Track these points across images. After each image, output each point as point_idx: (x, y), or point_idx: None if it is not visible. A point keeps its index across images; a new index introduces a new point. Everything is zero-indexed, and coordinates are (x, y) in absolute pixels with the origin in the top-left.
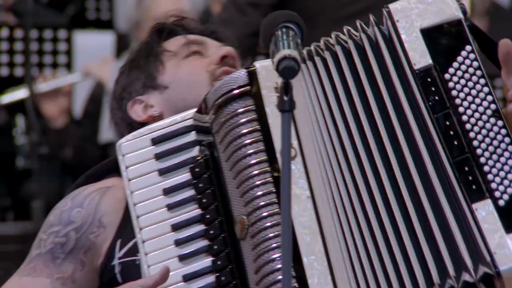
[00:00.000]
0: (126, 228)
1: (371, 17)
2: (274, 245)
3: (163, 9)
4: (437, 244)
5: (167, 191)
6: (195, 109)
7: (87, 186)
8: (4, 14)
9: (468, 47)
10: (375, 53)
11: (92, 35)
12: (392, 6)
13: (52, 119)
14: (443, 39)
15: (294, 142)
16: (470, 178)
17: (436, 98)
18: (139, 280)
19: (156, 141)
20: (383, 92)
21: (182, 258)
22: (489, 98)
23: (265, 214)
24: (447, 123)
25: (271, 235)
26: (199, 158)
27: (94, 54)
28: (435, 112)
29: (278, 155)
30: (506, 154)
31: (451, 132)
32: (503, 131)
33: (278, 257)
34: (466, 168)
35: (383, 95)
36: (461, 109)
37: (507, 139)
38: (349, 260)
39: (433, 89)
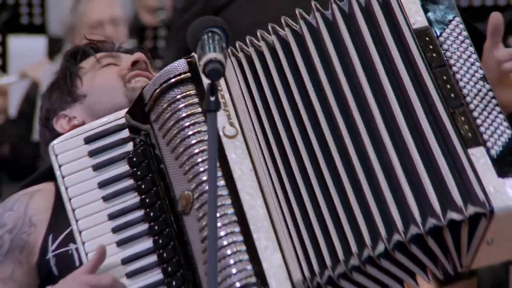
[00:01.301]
0: (56, 224)
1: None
2: (218, 214)
3: (97, 15)
4: (422, 185)
5: (102, 184)
6: (126, 109)
7: (17, 192)
8: None
9: (457, 19)
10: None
11: (25, 39)
12: None
13: None
14: (437, 6)
15: (235, 122)
16: (467, 127)
17: (434, 55)
18: (79, 268)
19: (88, 140)
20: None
21: (120, 243)
22: (477, 64)
23: (206, 184)
24: (444, 77)
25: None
26: (136, 149)
27: (28, 57)
28: (432, 68)
29: (221, 133)
30: (494, 113)
31: (448, 86)
32: (491, 93)
33: (221, 224)
34: (463, 118)
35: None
36: (454, 69)
37: (494, 101)
38: (284, 221)
39: (430, 47)
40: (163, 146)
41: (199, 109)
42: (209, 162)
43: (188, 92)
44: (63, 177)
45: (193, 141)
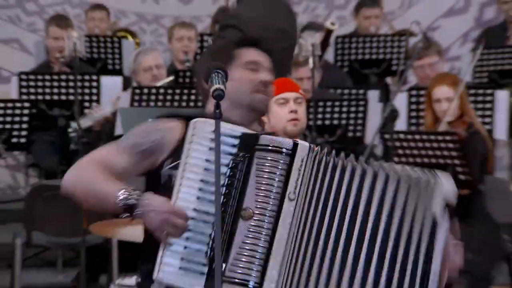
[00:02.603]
0: (174, 154)
1: None
2: (261, 237)
3: (148, 63)
4: None
5: (207, 160)
6: (249, 131)
7: (162, 120)
8: (59, 66)
9: None
10: None
11: (109, 78)
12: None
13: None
14: None
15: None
16: None
17: None
18: (167, 202)
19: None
20: None
21: (198, 198)
22: None
23: (267, 213)
24: None
25: (264, 229)
26: (236, 158)
27: (111, 90)
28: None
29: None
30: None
31: None
32: None
33: (261, 243)
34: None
35: None
36: None
37: None
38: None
39: None
40: (253, 169)
41: (278, 172)
42: (215, 163)
43: (279, 160)
44: (190, 142)
45: (265, 177)
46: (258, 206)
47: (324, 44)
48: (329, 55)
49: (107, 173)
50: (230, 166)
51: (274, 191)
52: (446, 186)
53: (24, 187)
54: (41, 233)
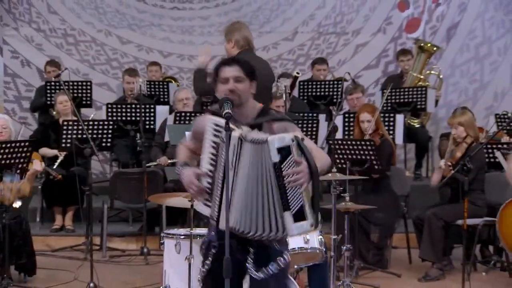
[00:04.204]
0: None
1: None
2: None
3: (181, 96)
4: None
5: (213, 146)
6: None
7: (204, 116)
8: (130, 99)
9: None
10: None
11: (161, 107)
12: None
13: None
14: None
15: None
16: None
17: None
18: (191, 172)
19: (217, 124)
20: None
21: (211, 164)
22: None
23: (220, 178)
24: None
25: (219, 186)
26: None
27: (163, 114)
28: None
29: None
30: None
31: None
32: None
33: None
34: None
35: None
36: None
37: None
38: None
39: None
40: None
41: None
42: (225, 162)
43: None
44: (206, 131)
45: (221, 156)
46: (219, 172)
47: (293, 85)
48: (295, 92)
49: (185, 148)
50: (217, 145)
51: (222, 163)
52: (276, 140)
53: (109, 173)
54: (119, 201)
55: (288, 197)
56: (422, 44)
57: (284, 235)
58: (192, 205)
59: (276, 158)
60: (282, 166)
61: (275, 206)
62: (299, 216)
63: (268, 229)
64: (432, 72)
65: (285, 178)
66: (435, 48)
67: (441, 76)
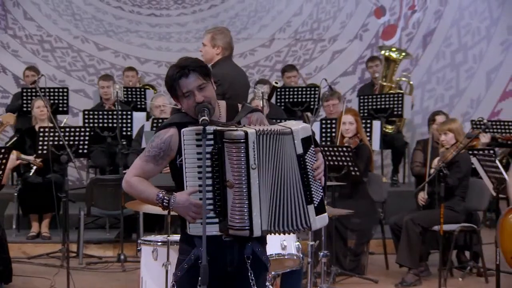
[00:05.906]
0: (179, 152)
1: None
2: (243, 197)
3: (158, 102)
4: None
5: (198, 153)
6: (217, 127)
7: (164, 130)
8: (107, 106)
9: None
10: None
11: (138, 113)
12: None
13: None
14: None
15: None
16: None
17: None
18: (186, 196)
19: (198, 134)
20: None
21: (199, 178)
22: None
23: (242, 181)
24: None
25: (243, 191)
26: (213, 149)
27: (139, 120)
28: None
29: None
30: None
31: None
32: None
33: (244, 200)
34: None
35: None
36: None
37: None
38: None
39: None
40: (225, 155)
41: (241, 154)
42: (203, 156)
43: (240, 147)
44: (184, 144)
45: (234, 158)
46: (235, 177)
47: (270, 95)
48: (273, 99)
49: (145, 181)
50: (212, 153)
51: (242, 166)
52: (300, 131)
53: (86, 180)
54: (96, 208)
55: (312, 190)
56: (386, 53)
57: (307, 228)
58: (169, 212)
59: (300, 149)
60: (306, 157)
61: (301, 200)
62: (320, 208)
63: (295, 225)
64: (403, 78)
65: (308, 170)
66: (401, 56)
67: (411, 82)
